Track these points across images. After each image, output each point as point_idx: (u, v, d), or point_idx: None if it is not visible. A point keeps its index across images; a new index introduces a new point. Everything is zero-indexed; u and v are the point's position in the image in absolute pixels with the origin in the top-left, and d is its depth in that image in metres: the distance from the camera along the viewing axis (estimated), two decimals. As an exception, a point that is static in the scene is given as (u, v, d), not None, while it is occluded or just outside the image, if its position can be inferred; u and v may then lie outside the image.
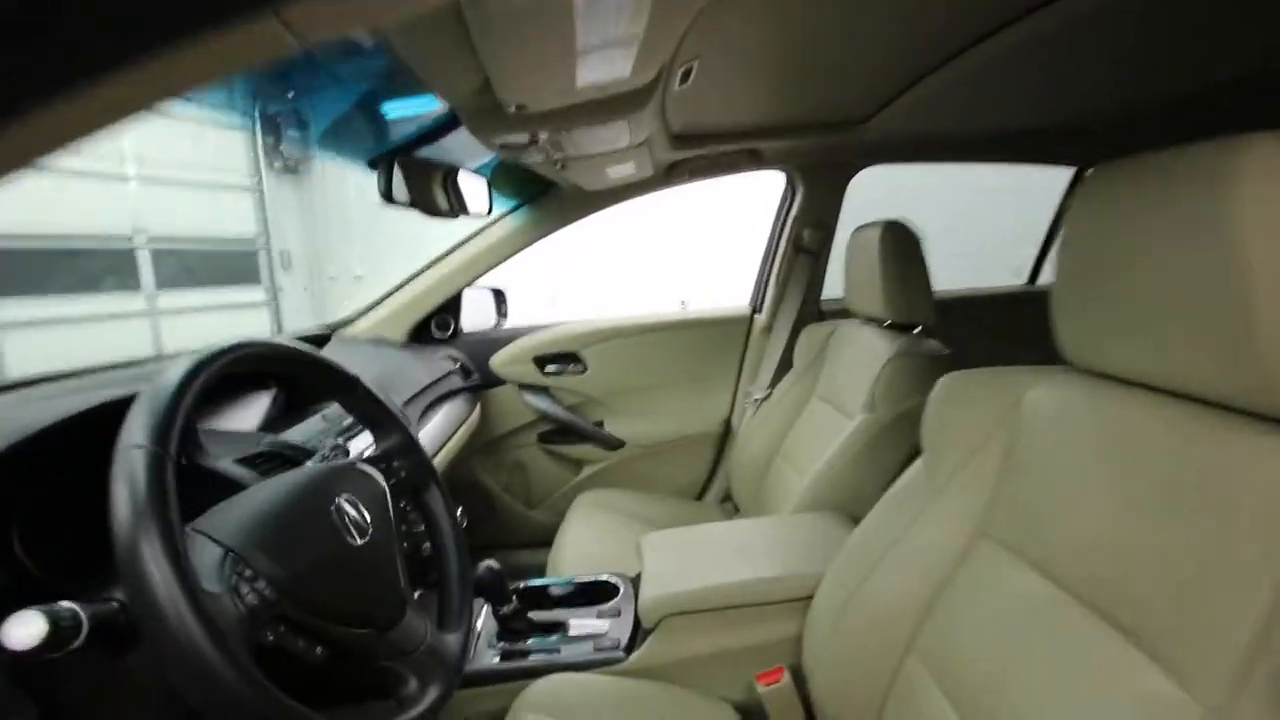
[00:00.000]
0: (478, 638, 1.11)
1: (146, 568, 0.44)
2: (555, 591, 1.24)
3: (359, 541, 0.64)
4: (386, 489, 0.74)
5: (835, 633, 0.85)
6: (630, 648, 1.07)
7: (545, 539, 1.99)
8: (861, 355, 1.40)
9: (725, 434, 2.05)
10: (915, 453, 0.87)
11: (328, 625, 0.57)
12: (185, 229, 6.10)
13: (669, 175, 1.79)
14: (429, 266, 1.87)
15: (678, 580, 1.07)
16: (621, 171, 1.55)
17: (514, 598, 1.12)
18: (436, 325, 1.95)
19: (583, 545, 1.55)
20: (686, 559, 1.15)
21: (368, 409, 0.80)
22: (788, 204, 1.96)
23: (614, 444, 1.97)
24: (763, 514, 1.58)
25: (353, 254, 6.85)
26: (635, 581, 1.22)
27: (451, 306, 1.96)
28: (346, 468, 0.71)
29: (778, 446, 1.63)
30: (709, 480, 2.08)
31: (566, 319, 2.04)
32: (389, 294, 1.88)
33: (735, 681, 1.03)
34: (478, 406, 1.90)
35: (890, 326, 1.40)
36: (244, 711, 0.45)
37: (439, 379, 1.69)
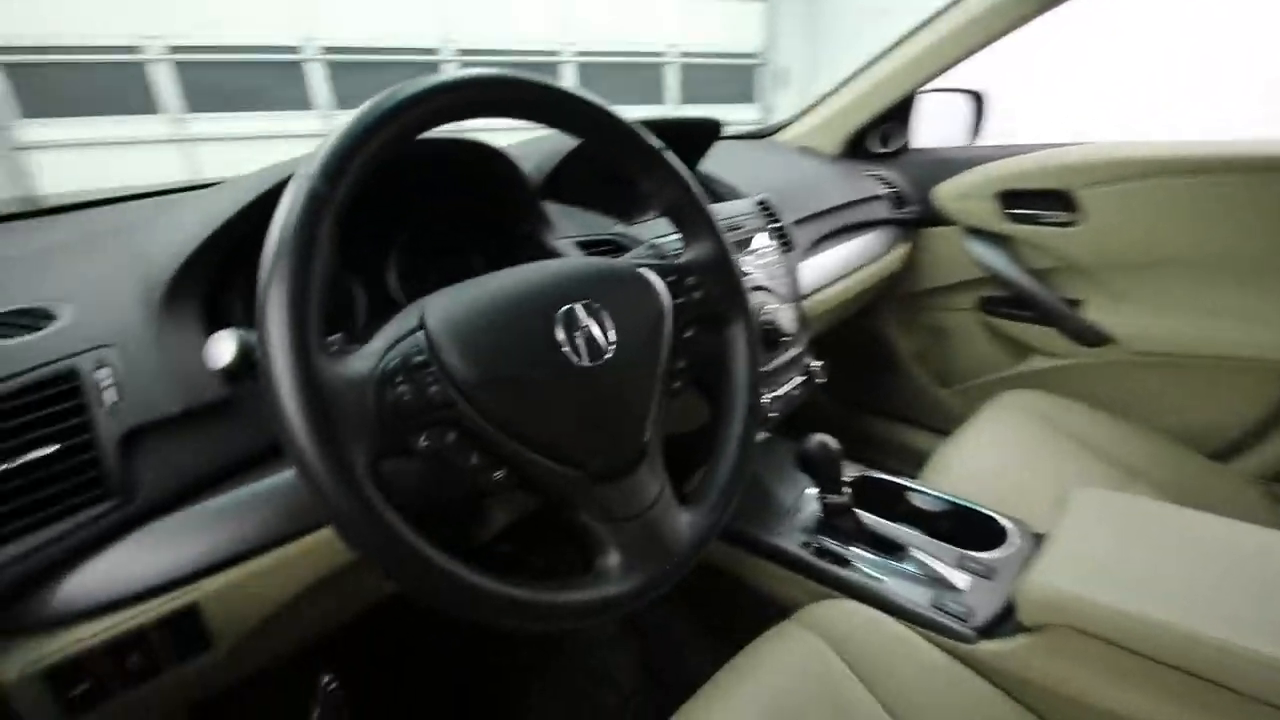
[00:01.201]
0: (789, 515, 0.91)
1: (268, 311, 0.36)
2: (915, 503, 0.92)
3: (584, 361, 0.47)
4: (667, 308, 0.55)
5: None
6: (988, 632, 0.71)
7: (944, 428, 1.60)
8: None
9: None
10: None
11: (517, 447, 0.44)
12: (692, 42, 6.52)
13: None
14: (877, 60, 1.45)
15: (1112, 584, 0.63)
16: None
17: (847, 490, 0.86)
18: (879, 138, 1.56)
19: (985, 458, 1.13)
20: (1143, 557, 0.67)
21: (673, 198, 0.59)
22: None
23: (1093, 338, 1.34)
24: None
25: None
26: (1035, 541, 0.81)
27: (900, 113, 1.52)
28: (607, 268, 0.54)
29: None
30: (1254, 437, 1.27)
31: (1078, 140, 1.38)
32: (825, 96, 1.56)
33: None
34: (905, 247, 1.51)
35: None
36: (328, 506, 0.36)
37: (856, 202, 1.36)
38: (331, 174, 0.38)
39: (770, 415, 0.87)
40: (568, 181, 0.92)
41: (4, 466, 0.43)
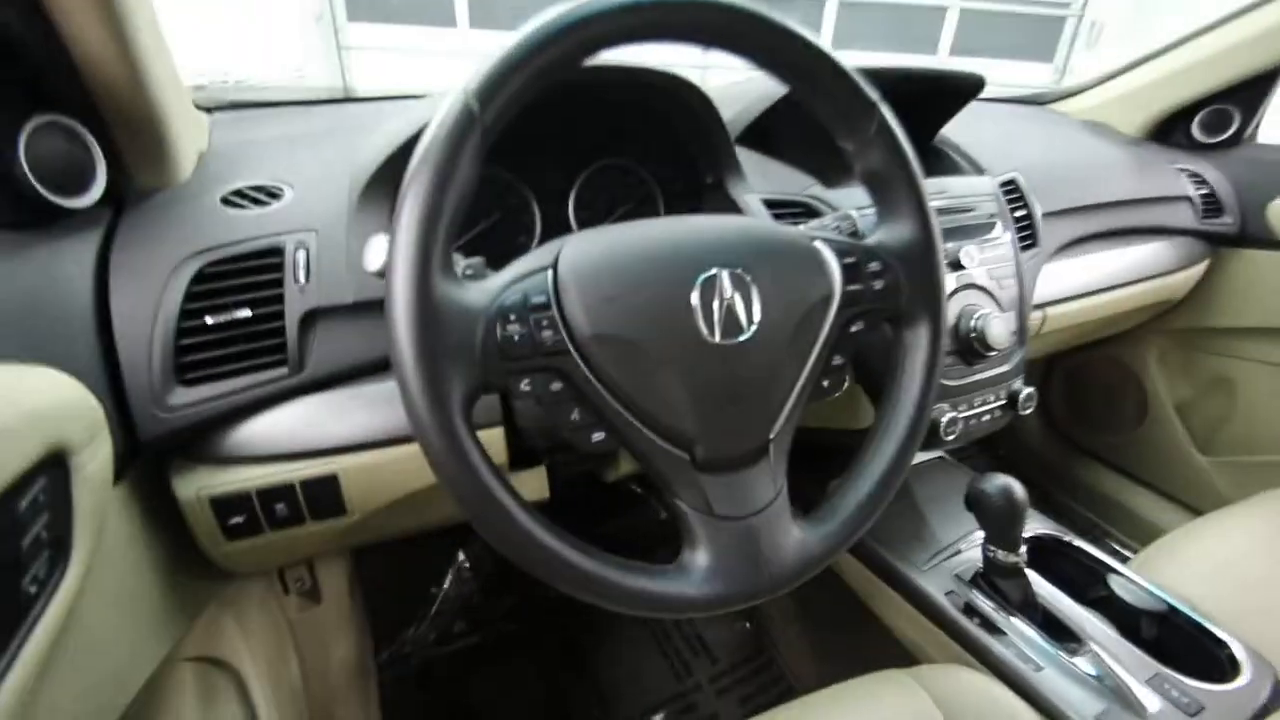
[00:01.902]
0: (945, 555, 0.79)
1: (399, 225, 0.36)
2: (1117, 590, 0.74)
3: (716, 337, 0.42)
4: (835, 293, 0.47)
5: None
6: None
7: (1194, 505, 1.28)
8: None
9: None
10: None
11: (622, 412, 0.41)
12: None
13: None
14: (1220, 23, 1.10)
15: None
16: None
17: (1024, 548, 0.71)
18: (1202, 122, 1.21)
19: (1236, 558, 0.87)
20: None
21: (877, 164, 0.49)
22: None
23: None
24: None
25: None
26: (1276, 689, 0.61)
27: (1247, 94, 1.15)
28: (770, 236, 0.46)
29: None
30: None
31: None
32: (1137, 62, 1.23)
33: None
34: (1201, 267, 1.18)
35: None
36: (416, 427, 0.36)
37: (1148, 200, 1.07)
38: (486, 94, 0.36)
39: (948, 438, 0.74)
40: (778, 131, 0.83)
41: (213, 321, 0.51)
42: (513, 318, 0.38)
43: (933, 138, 0.96)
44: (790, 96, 0.75)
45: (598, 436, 0.42)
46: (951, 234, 0.78)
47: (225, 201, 0.58)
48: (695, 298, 0.42)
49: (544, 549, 0.38)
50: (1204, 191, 1.14)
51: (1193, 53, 1.16)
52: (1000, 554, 0.69)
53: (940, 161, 0.95)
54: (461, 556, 1.14)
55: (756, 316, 0.43)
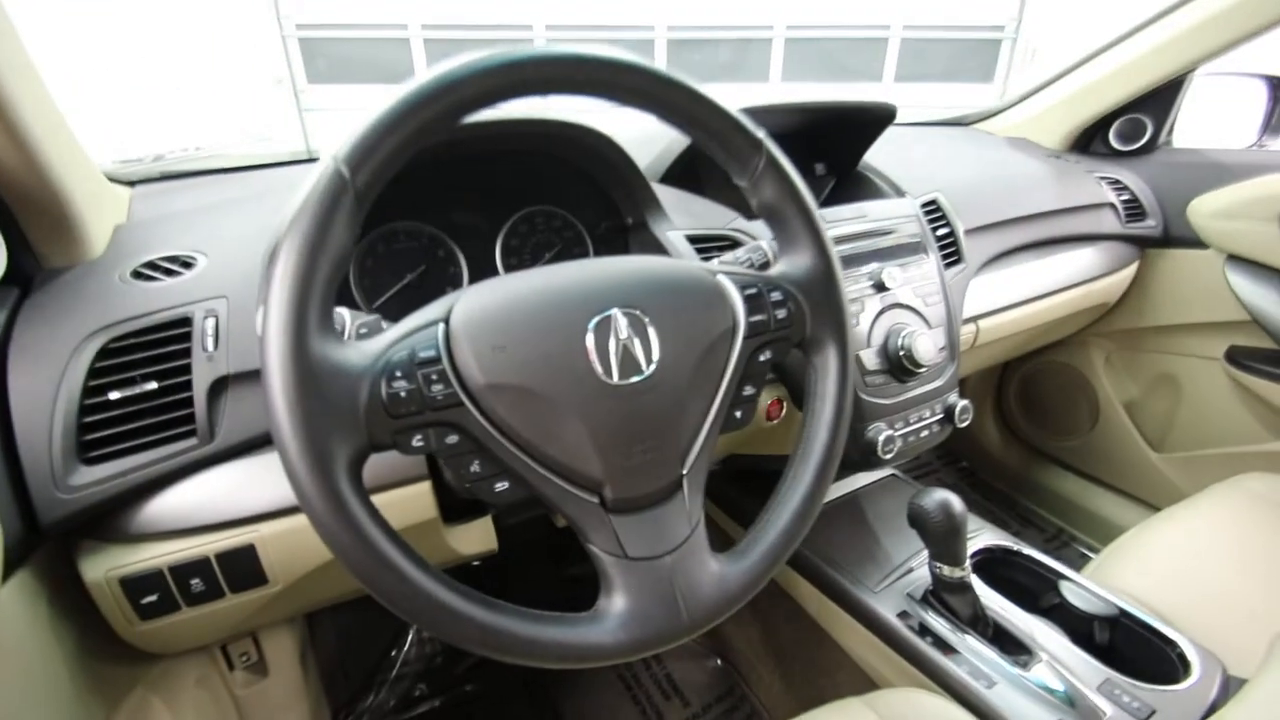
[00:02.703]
0: (897, 574, 0.78)
1: (270, 288, 0.36)
2: (1068, 597, 0.74)
3: (613, 378, 0.42)
4: (737, 325, 0.47)
5: None
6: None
7: (1150, 502, 1.29)
8: None
9: None
10: None
11: (525, 460, 0.41)
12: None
13: None
14: (1126, 36, 1.16)
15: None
16: None
17: (968, 564, 0.71)
18: (1118, 131, 1.26)
19: (1189, 556, 0.88)
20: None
21: (770, 197, 0.50)
22: None
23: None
24: None
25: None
26: (1226, 686, 0.61)
27: (1156, 103, 1.21)
28: (667, 273, 0.47)
29: None
30: None
31: None
32: (1053, 78, 1.29)
33: None
34: (1131, 269, 1.22)
35: None
36: (299, 496, 0.35)
37: (1071, 210, 1.11)
38: (356, 159, 0.37)
39: (886, 456, 0.74)
40: (700, 168, 0.86)
41: (118, 396, 0.50)
42: (399, 374, 0.38)
43: (857, 164, 1.00)
44: None
45: (501, 486, 0.42)
46: (873, 256, 0.80)
47: (136, 274, 0.58)
48: (590, 340, 0.42)
49: (444, 608, 0.37)
50: (1125, 197, 1.19)
51: (1102, 67, 1.22)
52: (946, 570, 0.69)
53: (865, 187, 0.98)
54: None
55: (655, 355, 0.44)
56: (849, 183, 1.01)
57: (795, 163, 1.04)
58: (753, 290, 0.49)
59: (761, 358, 0.50)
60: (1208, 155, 1.22)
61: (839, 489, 0.94)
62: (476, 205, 0.74)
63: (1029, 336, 1.15)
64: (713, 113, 0.47)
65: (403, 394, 0.38)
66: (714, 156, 0.50)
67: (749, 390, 0.49)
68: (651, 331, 0.44)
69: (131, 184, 0.77)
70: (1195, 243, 1.18)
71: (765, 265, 0.59)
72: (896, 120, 1.44)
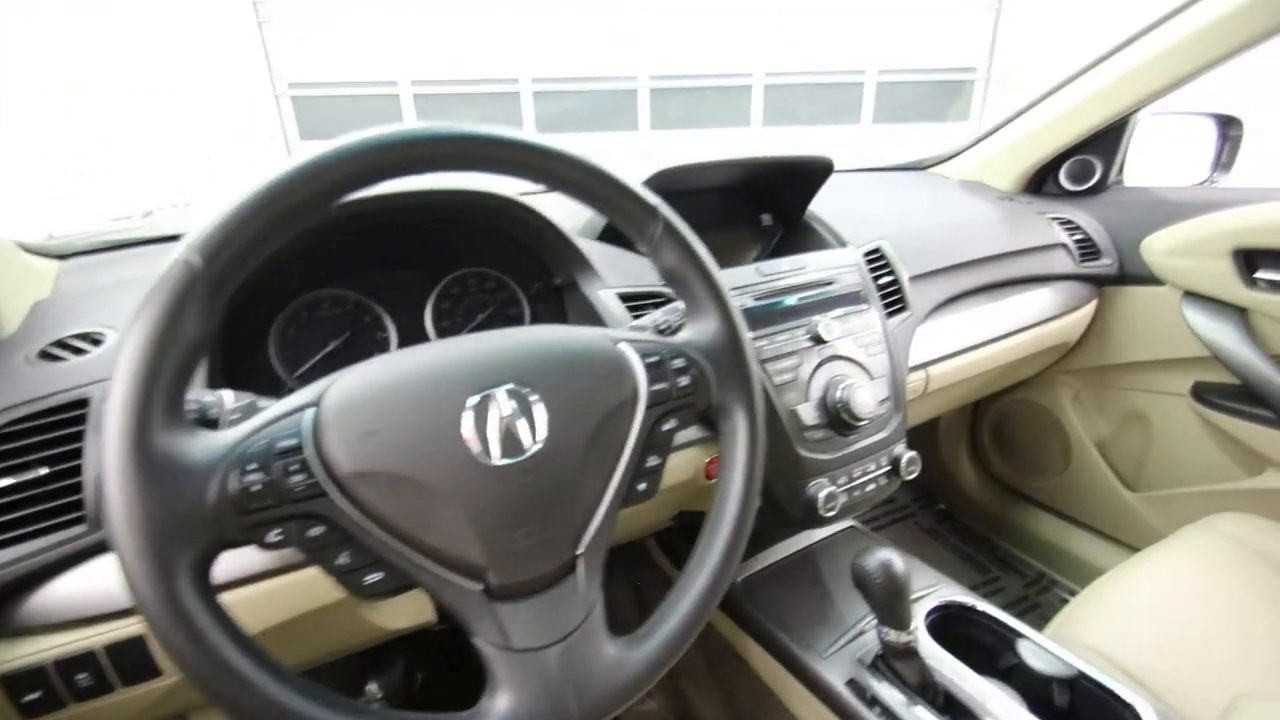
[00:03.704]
0: (848, 636, 0.75)
1: (113, 378, 0.34)
2: (1026, 658, 0.71)
3: (495, 459, 0.40)
4: (638, 395, 0.46)
5: None
6: None
7: (1128, 542, 1.26)
8: None
9: None
10: None
11: (400, 548, 0.39)
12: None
13: None
14: (1072, 79, 1.18)
15: None
16: None
17: (920, 624, 0.68)
18: (1069, 172, 1.28)
19: (1159, 605, 0.85)
20: None
21: (671, 264, 0.50)
22: None
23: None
24: None
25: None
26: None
27: (1105, 142, 1.23)
28: (558, 344, 0.46)
29: None
30: None
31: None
32: (1005, 121, 1.31)
33: None
34: (1089, 308, 1.22)
35: None
36: (133, 597, 0.33)
37: (1023, 252, 1.11)
38: (209, 248, 0.36)
39: (828, 514, 0.72)
40: None
41: (5, 483, 0.48)
42: (253, 466, 0.36)
43: (803, 213, 1.00)
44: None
45: (373, 578, 0.40)
46: (812, 308, 0.79)
47: (44, 354, 0.57)
48: (467, 421, 0.40)
49: (295, 716, 0.35)
50: (1078, 237, 1.19)
51: (1048, 111, 1.24)
52: (892, 634, 0.66)
53: (810, 237, 0.98)
54: (373, 687, 1.06)
55: (542, 432, 0.42)
56: (796, 232, 1.01)
57: (742, 213, 1.05)
58: (654, 358, 0.48)
59: (665, 426, 0.48)
60: (1158, 193, 1.24)
61: (793, 544, 0.91)
62: (406, 269, 0.74)
63: (988, 379, 1.14)
64: (602, 181, 0.47)
65: (255, 487, 0.36)
66: (615, 224, 0.50)
67: (653, 461, 0.48)
68: (538, 408, 0.42)
69: (63, 257, 0.76)
70: (1152, 280, 1.19)
71: (680, 328, 0.58)
72: (855, 166, 1.48)
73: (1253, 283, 1.05)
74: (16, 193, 5.21)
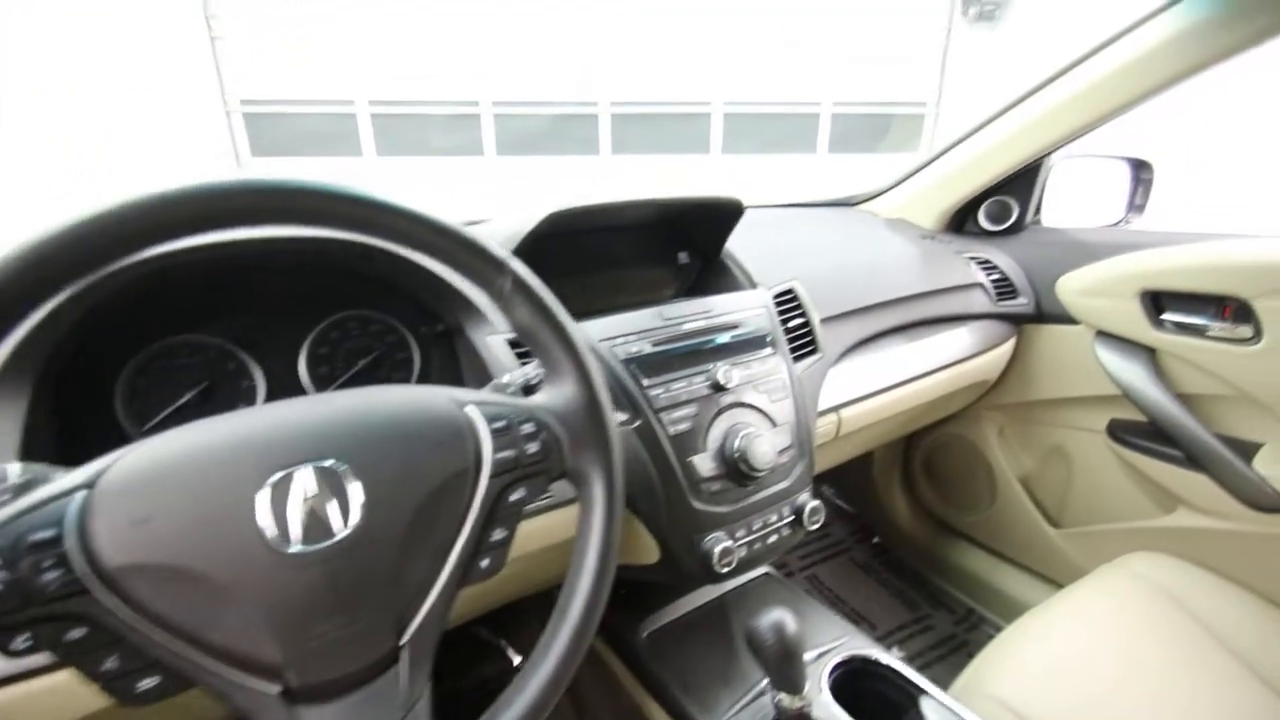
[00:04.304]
0: (748, 700, 0.72)
1: None
2: (928, 716, 0.69)
3: (296, 545, 0.36)
4: (483, 462, 0.43)
5: None
6: None
7: (1054, 578, 1.27)
8: None
9: None
10: None
11: (181, 648, 0.35)
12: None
13: None
14: (990, 120, 1.21)
15: None
16: None
17: (824, 684, 0.65)
18: (987, 213, 1.30)
19: (1072, 649, 0.84)
20: None
21: (524, 321, 0.47)
22: None
23: (1265, 500, 0.97)
24: None
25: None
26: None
27: (1022, 183, 1.26)
28: (380, 411, 0.42)
29: None
30: None
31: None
32: (929, 161, 1.33)
33: None
34: (1007, 346, 1.23)
35: None
36: None
37: (942, 291, 1.12)
38: None
39: (723, 570, 0.70)
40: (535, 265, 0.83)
41: None
42: (21, 558, 0.32)
43: (720, 252, 0.99)
44: (562, 228, 0.75)
45: (148, 683, 0.35)
46: (714, 354, 0.77)
47: None
48: (263, 502, 0.36)
49: None
50: (995, 276, 1.21)
51: (967, 152, 1.26)
52: (785, 699, 0.64)
53: (726, 276, 0.96)
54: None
55: (356, 513, 0.38)
56: (715, 271, 1.00)
57: (659, 251, 1.03)
58: (501, 423, 0.44)
59: (513, 496, 0.45)
60: (1073, 234, 1.27)
61: (704, 595, 0.88)
62: (280, 312, 0.69)
63: (909, 418, 1.14)
64: (441, 235, 0.43)
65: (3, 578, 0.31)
66: (466, 279, 0.47)
67: (498, 534, 0.44)
68: (353, 485, 0.38)
69: None
70: (1067, 319, 1.21)
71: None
72: (786, 202, 1.49)
73: (1160, 324, 1.07)
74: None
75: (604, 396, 0.48)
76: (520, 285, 0.46)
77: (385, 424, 0.41)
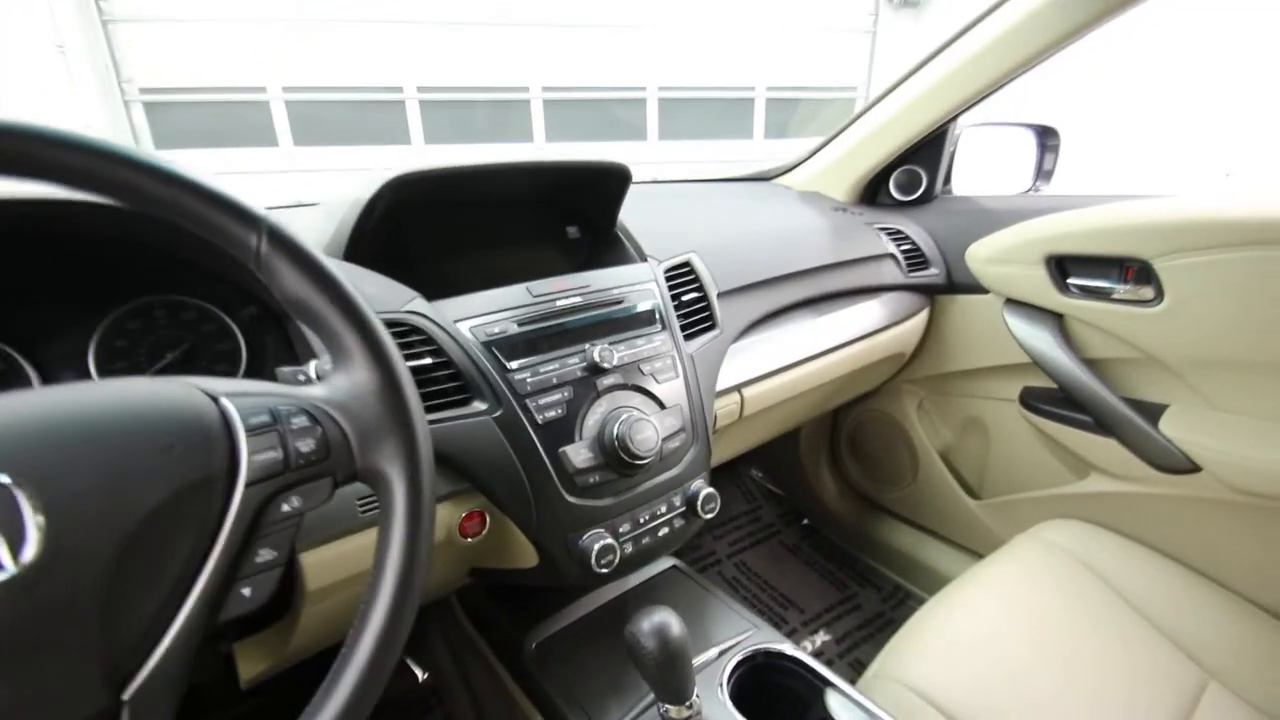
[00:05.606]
0: (639, 707, 0.66)
1: None
2: (833, 710, 0.64)
3: None
4: (237, 468, 0.34)
5: None
6: None
7: (976, 550, 1.26)
8: None
9: None
10: None
11: None
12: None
13: None
14: (894, 88, 1.17)
15: None
16: None
17: (723, 692, 0.59)
18: (896, 183, 1.27)
19: (986, 623, 0.81)
20: None
21: (294, 290, 0.38)
22: None
23: (1171, 461, 0.97)
24: None
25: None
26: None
27: (924, 154, 1.23)
28: (98, 408, 0.32)
29: None
30: None
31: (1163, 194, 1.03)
32: (839, 132, 1.29)
33: None
34: (921, 318, 1.20)
35: None
36: None
37: (852, 262, 1.08)
38: None
39: (602, 570, 0.63)
40: (380, 243, 0.73)
41: None
42: None
43: (612, 225, 0.91)
44: (380, 204, 0.66)
45: None
46: (593, 332, 0.70)
47: None
48: None
49: None
50: (905, 247, 1.18)
51: (872, 121, 1.23)
52: (671, 711, 0.57)
53: (619, 251, 0.89)
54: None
55: (32, 546, 0.29)
56: (606, 246, 0.92)
57: (547, 226, 0.94)
58: (261, 418, 0.36)
59: (285, 507, 0.36)
60: (981, 202, 1.25)
61: (604, 594, 0.81)
62: (68, 299, 0.58)
63: (823, 394, 1.10)
64: (168, 184, 0.34)
65: None
66: (216, 241, 0.37)
67: (265, 555, 0.36)
68: (31, 508, 0.29)
69: None
70: (978, 288, 1.19)
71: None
72: (700, 177, 1.43)
73: (1065, 289, 1.06)
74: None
75: (404, 379, 0.40)
76: (279, 242, 0.37)
77: (86, 426, 0.32)
